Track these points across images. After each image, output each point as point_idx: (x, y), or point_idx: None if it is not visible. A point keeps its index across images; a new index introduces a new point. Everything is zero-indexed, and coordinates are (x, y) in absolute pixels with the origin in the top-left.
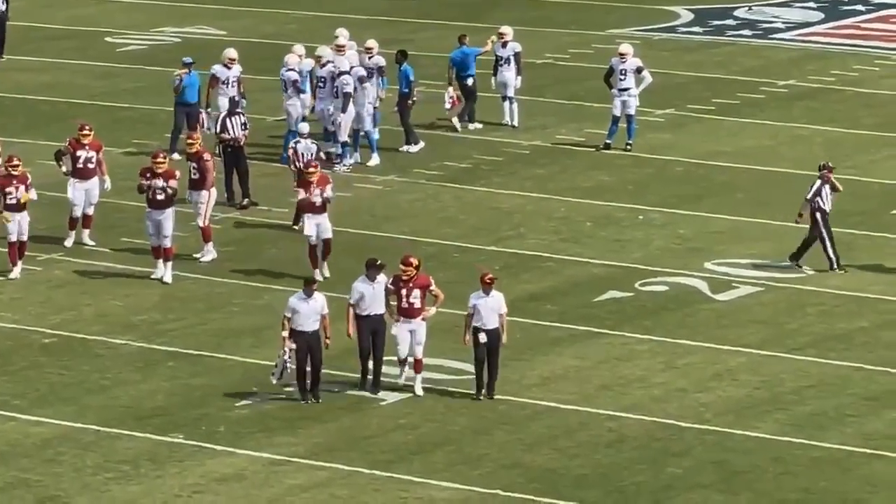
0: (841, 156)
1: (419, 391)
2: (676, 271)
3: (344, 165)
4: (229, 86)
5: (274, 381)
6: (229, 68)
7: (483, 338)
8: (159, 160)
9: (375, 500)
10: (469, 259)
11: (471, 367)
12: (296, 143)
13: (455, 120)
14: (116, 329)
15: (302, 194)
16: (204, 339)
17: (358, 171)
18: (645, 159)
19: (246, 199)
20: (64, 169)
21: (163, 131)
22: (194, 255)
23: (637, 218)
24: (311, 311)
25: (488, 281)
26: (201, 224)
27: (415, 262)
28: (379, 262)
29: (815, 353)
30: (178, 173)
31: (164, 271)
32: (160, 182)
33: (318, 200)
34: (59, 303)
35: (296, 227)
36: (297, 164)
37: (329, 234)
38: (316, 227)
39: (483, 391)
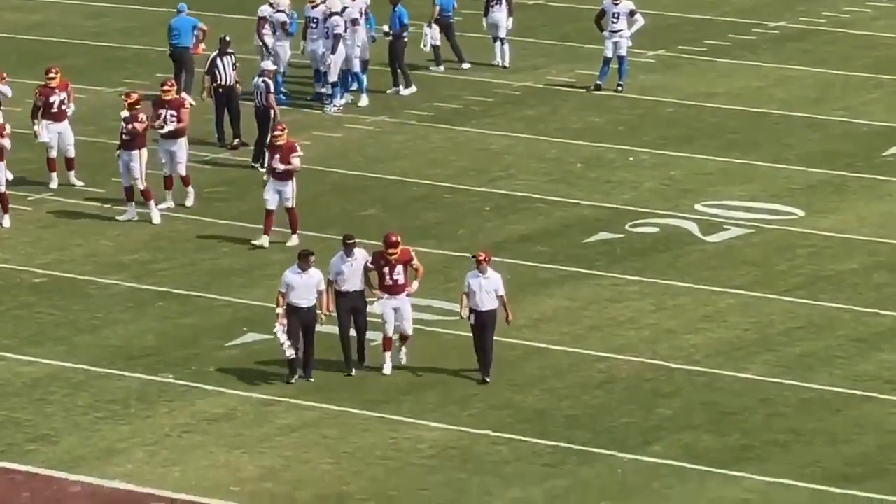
0: (832, 98)
1: (403, 360)
2: (667, 212)
3: (334, 106)
4: (277, 28)
5: (292, 356)
6: (274, 8)
7: (472, 319)
8: (128, 100)
9: (365, 440)
10: (459, 200)
11: (462, 310)
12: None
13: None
14: (106, 269)
15: (267, 159)
16: (194, 279)
17: (348, 111)
18: (636, 100)
19: (237, 140)
20: (36, 127)
21: (153, 71)
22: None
23: (628, 159)
24: (306, 285)
25: (482, 260)
26: (182, 173)
27: (398, 239)
28: (353, 239)
29: (804, 294)
30: (142, 116)
31: (152, 211)
32: (123, 123)
33: (279, 167)
34: (49, 243)
35: (255, 166)
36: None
37: (290, 204)
38: (277, 193)
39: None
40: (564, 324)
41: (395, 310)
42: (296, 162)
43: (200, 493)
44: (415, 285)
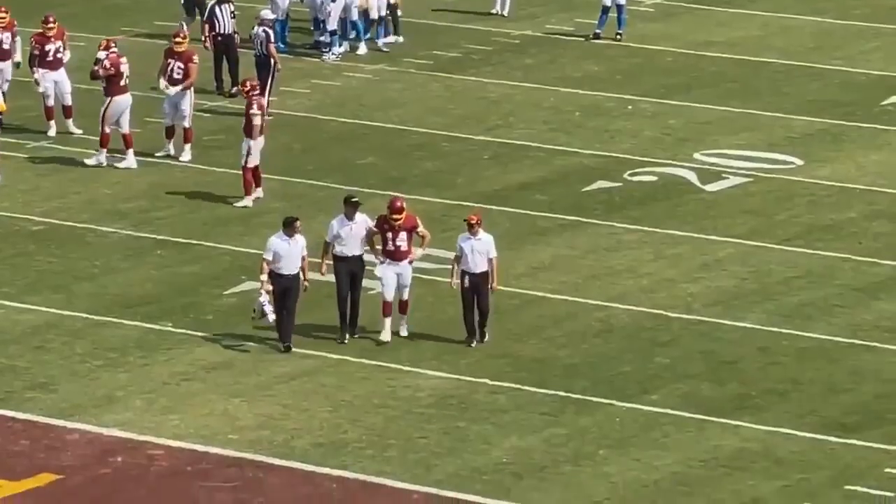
0: (830, 47)
1: (404, 332)
2: (665, 161)
3: (333, 54)
4: None
5: (253, 320)
6: None
7: (467, 282)
8: (101, 45)
9: (363, 389)
10: (458, 148)
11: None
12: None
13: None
14: (105, 217)
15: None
16: (193, 227)
17: (347, 60)
18: (635, 49)
19: (235, 87)
20: (36, 75)
21: (152, 18)
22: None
23: (626, 108)
24: (291, 253)
25: (474, 222)
26: (186, 125)
27: (403, 205)
28: (355, 198)
29: (803, 243)
30: (107, 64)
31: (98, 156)
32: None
33: (243, 122)
34: (48, 190)
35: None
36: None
37: (242, 162)
38: (248, 146)
39: (475, 336)
40: (563, 272)
41: (398, 275)
42: (255, 121)
43: (199, 440)
44: (418, 252)
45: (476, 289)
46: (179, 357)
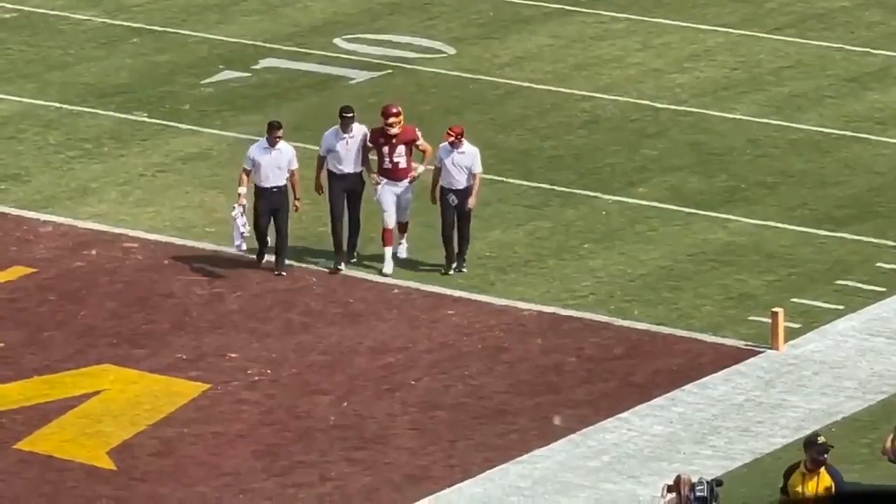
0: None
1: (403, 254)
2: None
3: None
4: None
5: (241, 249)
6: None
7: (453, 199)
8: None
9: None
10: None
11: (443, 46)
12: None
13: None
14: (79, 4)
15: None
16: (169, 14)
17: None
18: None
19: None
20: None
21: None
22: None
23: None
24: (275, 163)
25: (455, 134)
26: None
27: (399, 110)
28: (352, 112)
29: (794, 32)
30: None
31: None
32: None
33: None
34: None
35: None
36: None
37: None
38: None
39: (453, 261)
40: (548, 62)
41: (397, 197)
42: None
43: (175, 233)
44: (420, 169)
45: (458, 207)
46: (155, 148)
